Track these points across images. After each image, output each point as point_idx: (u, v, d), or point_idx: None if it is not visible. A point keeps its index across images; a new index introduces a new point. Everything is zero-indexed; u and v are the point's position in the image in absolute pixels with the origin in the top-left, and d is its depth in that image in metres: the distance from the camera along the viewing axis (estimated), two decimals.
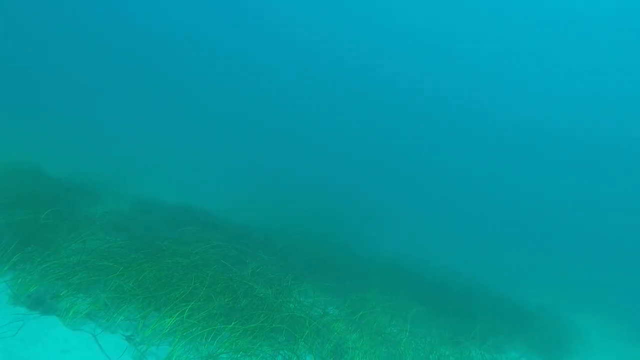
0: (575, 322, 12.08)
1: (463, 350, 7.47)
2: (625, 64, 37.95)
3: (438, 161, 37.85)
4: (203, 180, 16.99)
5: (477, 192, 33.01)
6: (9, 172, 9.63)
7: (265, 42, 46.15)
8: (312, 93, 44.60)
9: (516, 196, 34.57)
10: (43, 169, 10.26)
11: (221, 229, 9.94)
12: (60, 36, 35.10)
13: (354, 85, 45.11)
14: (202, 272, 5.18)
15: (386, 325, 6.80)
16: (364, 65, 45.81)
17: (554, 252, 23.16)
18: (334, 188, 22.24)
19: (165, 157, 18.40)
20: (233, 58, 45.39)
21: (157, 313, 4.63)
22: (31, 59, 27.94)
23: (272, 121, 35.25)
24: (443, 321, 8.36)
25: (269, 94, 42.55)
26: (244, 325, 4.79)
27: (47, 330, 3.97)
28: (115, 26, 41.01)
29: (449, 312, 9.23)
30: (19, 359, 3.50)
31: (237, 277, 5.30)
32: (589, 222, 32.42)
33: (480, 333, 8.70)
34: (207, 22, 44.68)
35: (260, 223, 13.23)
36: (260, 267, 6.57)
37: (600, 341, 11.41)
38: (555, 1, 37.20)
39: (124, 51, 38.88)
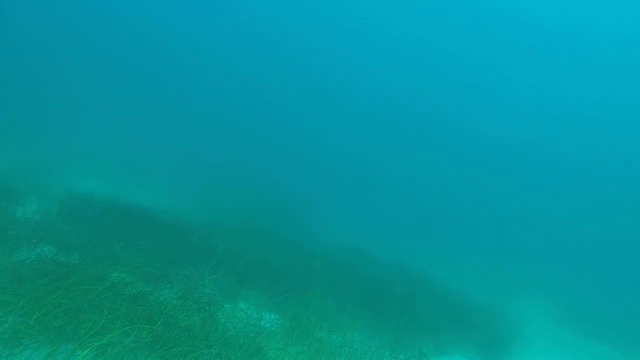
0: (516, 319, 12.41)
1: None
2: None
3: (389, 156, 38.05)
4: (142, 170, 16.10)
5: (426, 189, 33.62)
6: None
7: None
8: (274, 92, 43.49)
9: (464, 196, 35.42)
10: None
11: (155, 229, 9.34)
12: None
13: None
14: (118, 299, 4.67)
15: (326, 339, 6.55)
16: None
17: (504, 251, 23.87)
18: (276, 175, 21.85)
19: (105, 146, 17.31)
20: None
21: (62, 353, 4.11)
22: None
23: (214, 107, 34.04)
24: (386, 327, 8.24)
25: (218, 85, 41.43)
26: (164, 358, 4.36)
27: None
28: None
29: (393, 315, 9.14)
30: None
31: (157, 304, 4.83)
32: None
33: (424, 335, 8.68)
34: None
35: (201, 217, 12.69)
36: (190, 285, 6.10)
37: (541, 337, 11.80)
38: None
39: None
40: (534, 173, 40.68)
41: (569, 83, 40.58)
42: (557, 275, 20.56)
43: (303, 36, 44.39)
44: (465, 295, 13.00)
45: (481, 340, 9.85)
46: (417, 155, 40.66)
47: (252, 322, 6.39)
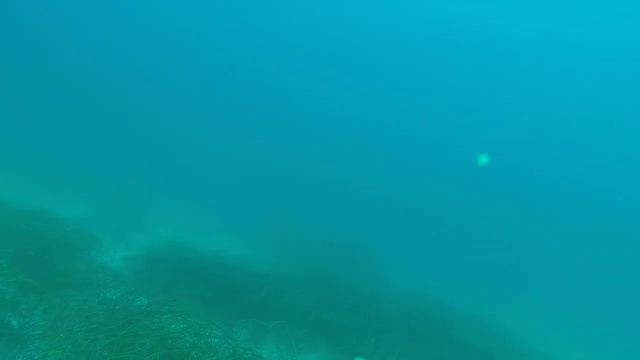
0: None
1: None
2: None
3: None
4: (215, 220, 16.56)
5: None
6: (17, 213, 9.38)
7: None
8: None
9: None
10: (52, 212, 9.98)
11: (226, 281, 9.24)
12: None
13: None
14: (166, 350, 4.43)
15: None
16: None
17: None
18: (346, 226, 21.49)
19: (184, 197, 18.18)
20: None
21: None
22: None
23: (288, 167, 34.75)
24: None
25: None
26: None
27: None
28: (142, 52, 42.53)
29: None
30: None
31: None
32: None
33: None
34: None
35: (271, 268, 12.52)
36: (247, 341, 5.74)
37: None
38: None
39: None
40: None
41: None
42: None
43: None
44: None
45: None
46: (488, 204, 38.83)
47: None
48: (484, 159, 43.28)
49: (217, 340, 5.53)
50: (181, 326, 5.07)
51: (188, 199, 18.01)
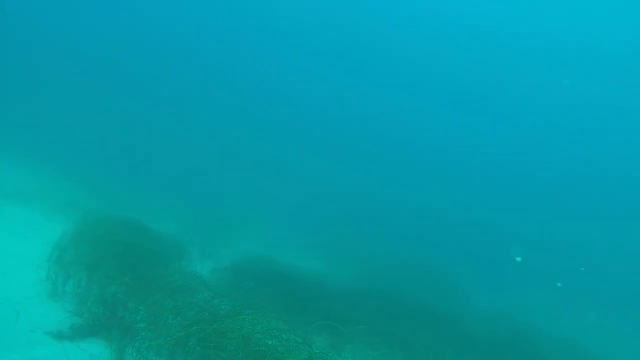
0: None
1: None
2: None
3: None
4: (291, 235, 17.20)
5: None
6: (119, 224, 10.52)
7: None
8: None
9: None
10: (146, 223, 11.07)
11: (304, 292, 9.63)
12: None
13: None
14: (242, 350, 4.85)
15: None
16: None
17: None
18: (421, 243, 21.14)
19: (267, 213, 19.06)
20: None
21: None
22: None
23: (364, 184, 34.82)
24: None
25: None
26: None
27: None
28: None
29: None
30: None
31: None
32: None
33: None
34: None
35: (347, 283, 12.74)
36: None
37: None
38: None
39: None
40: None
41: None
42: None
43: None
44: None
45: None
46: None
47: None
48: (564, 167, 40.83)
49: (294, 345, 5.88)
50: (262, 327, 5.48)
51: (269, 216, 18.92)
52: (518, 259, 21.99)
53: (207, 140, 32.29)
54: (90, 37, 42.51)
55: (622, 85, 38.70)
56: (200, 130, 34.26)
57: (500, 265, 22.59)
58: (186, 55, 47.13)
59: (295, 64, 49.45)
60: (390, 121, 48.46)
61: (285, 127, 43.72)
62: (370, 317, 9.19)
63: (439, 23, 41.83)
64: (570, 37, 36.53)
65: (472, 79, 46.18)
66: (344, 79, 49.40)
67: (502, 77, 44.30)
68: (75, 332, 5.50)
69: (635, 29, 33.48)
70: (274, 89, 48.48)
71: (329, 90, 49.20)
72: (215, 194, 20.10)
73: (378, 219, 24.73)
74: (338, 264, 15.28)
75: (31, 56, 36.33)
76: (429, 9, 41.04)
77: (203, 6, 47.95)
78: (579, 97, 41.31)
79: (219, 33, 48.61)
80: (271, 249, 14.09)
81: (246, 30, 48.47)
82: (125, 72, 40.34)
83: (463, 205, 36.24)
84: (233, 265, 10.36)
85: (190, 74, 45.65)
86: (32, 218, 10.68)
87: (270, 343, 5.33)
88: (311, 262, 14.35)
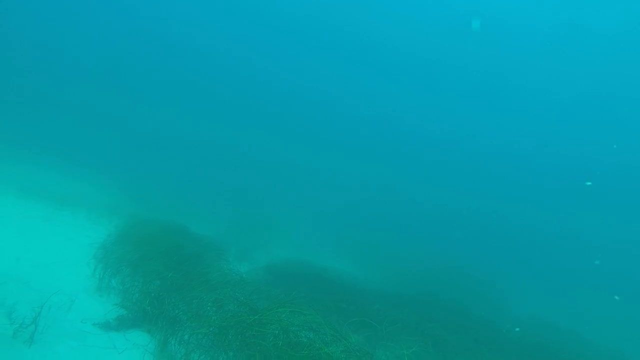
0: None
1: None
2: None
3: None
4: (328, 237, 17.29)
5: None
6: (161, 227, 10.92)
7: None
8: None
9: None
10: (186, 226, 11.45)
11: (339, 288, 9.71)
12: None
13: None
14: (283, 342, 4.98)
15: None
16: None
17: None
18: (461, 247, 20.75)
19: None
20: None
21: None
22: None
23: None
24: None
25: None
26: None
27: None
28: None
29: None
30: None
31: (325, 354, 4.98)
32: None
33: None
34: None
35: (384, 286, 12.70)
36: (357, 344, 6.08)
37: None
38: None
39: None
40: None
41: None
42: None
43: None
44: None
45: None
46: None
47: None
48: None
49: (331, 338, 5.97)
50: (300, 321, 5.60)
51: (303, 220, 19.14)
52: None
53: (242, 149, 32.98)
54: (125, 49, 44.10)
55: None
56: (236, 139, 35.03)
57: (537, 270, 21.99)
58: (227, 66, 48.24)
59: (318, 71, 49.52)
60: (422, 124, 47.98)
61: (316, 134, 44.06)
62: (405, 317, 9.16)
63: (447, 17, 41.00)
64: (584, 28, 35.06)
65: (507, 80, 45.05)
66: (369, 82, 49.17)
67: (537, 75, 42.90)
68: (121, 323, 5.77)
69: None
70: (305, 98, 48.91)
71: (358, 95, 49.18)
72: (252, 199, 20.49)
73: (413, 222, 24.55)
74: (372, 266, 15.27)
75: (71, 64, 38.03)
76: (438, 2, 40.20)
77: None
78: (600, 89, 39.60)
79: (250, 47, 49.30)
80: (306, 251, 14.26)
81: (273, 40, 49.02)
82: (163, 81, 41.72)
83: (499, 208, 35.49)
84: (269, 266, 10.57)
85: (221, 84, 46.75)
86: (79, 222, 11.20)
87: (308, 335, 5.45)
88: (345, 265, 14.41)
